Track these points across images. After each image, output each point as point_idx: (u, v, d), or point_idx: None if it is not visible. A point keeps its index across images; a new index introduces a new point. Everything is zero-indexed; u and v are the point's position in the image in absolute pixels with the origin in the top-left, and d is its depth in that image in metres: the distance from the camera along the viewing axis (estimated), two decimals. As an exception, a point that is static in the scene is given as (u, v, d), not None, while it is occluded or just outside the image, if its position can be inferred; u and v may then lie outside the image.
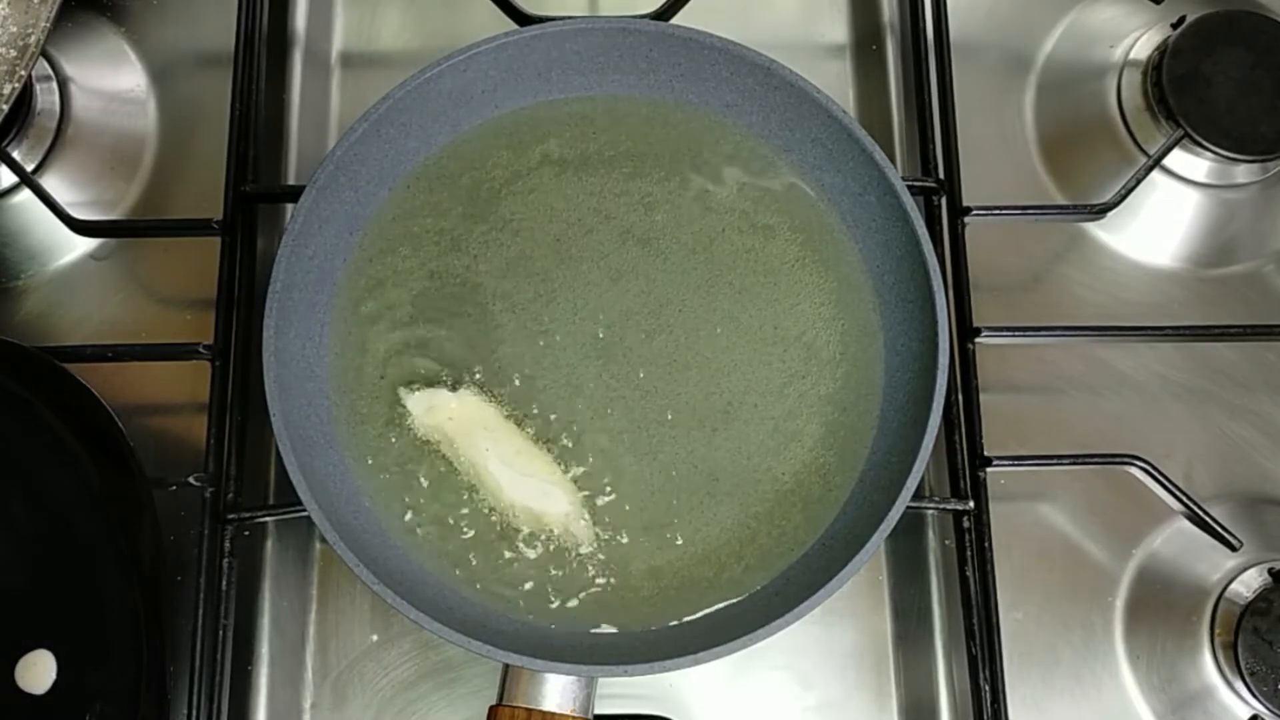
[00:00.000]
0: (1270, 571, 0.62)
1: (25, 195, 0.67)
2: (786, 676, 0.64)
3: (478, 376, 0.60)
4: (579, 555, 0.58)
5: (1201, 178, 0.70)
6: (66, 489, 0.58)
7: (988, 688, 0.59)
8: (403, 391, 0.59)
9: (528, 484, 0.58)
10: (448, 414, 0.59)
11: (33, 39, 0.61)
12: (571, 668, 0.53)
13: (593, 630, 0.57)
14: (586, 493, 0.59)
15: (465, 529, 0.58)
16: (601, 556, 0.58)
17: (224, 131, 0.66)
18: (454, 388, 0.60)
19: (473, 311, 0.61)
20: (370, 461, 0.59)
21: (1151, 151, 0.68)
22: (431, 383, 0.60)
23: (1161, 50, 0.69)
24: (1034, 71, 0.74)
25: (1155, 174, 0.67)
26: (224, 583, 0.59)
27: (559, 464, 0.59)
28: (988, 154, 0.71)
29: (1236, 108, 0.67)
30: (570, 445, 0.59)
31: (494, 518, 0.58)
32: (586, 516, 0.58)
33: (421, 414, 0.59)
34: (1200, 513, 0.62)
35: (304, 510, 0.54)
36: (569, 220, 0.63)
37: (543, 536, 0.58)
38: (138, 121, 0.71)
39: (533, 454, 0.59)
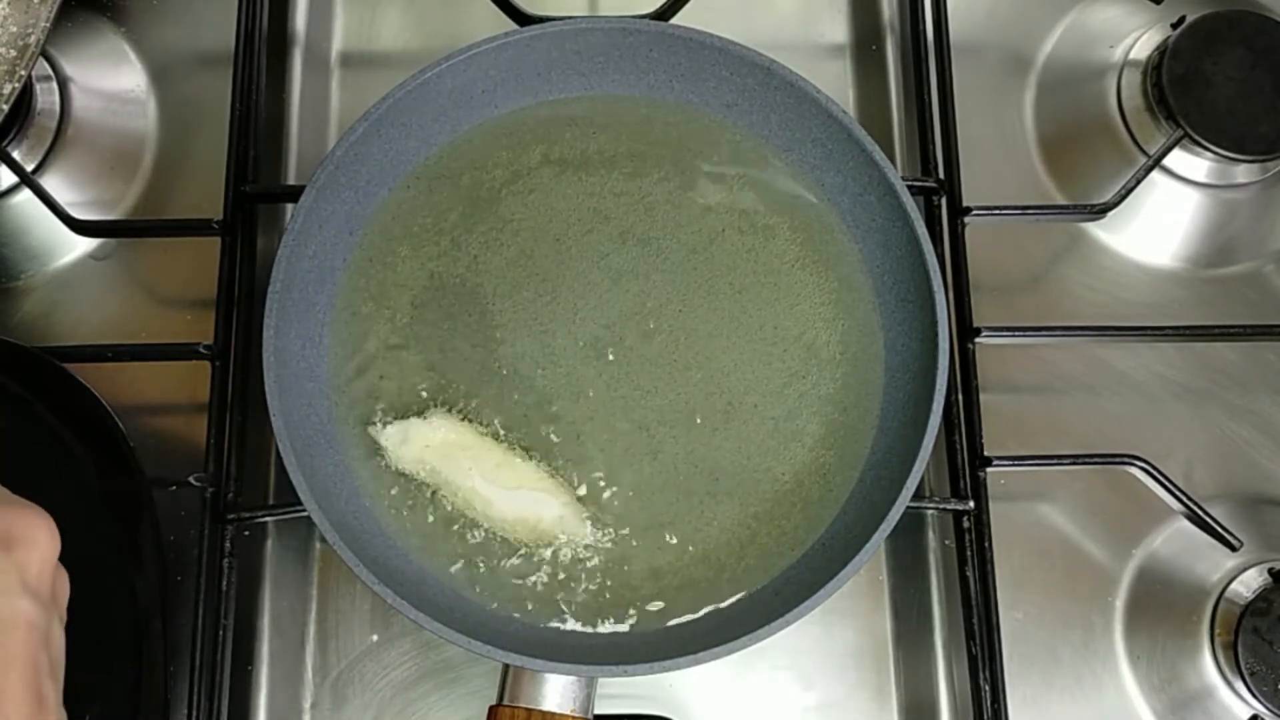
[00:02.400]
0: (1270, 571, 0.62)
1: (25, 195, 0.67)
2: (786, 676, 0.64)
3: (471, 382, 0.60)
4: (576, 558, 0.58)
5: (1201, 178, 0.70)
6: (66, 489, 0.58)
7: (988, 688, 0.59)
8: (374, 430, 0.59)
9: (515, 496, 0.58)
10: (424, 442, 0.58)
11: (32, 39, 0.61)
12: (571, 668, 0.53)
13: (593, 630, 0.57)
14: (585, 493, 0.59)
15: (461, 542, 0.58)
16: (600, 557, 0.58)
17: (224, 131, 0.66)
18: (430, 409, 0.59)
19: (472, 312, 0.61)
20: (369, 461, 0.59)
21: (1151, 151, 0.68)
22: (403, 413, 0.59)
23: (1161, 50, 0.69)
24: (1034, 71, 0.74)
25: (1155, 174, 0.67)
26: (224, 583, 0.59)
27: (552, 467, 0.59)
28: (988, 154, 0.71)
29: (1236, 108, 0.67)
30: (570, 445, 0.59)
31: (487, 533, 0.58)
32: (581, 519, 0.58)
33: (396, 447, 0.58)
34: (1200, 513, 0.62)
35: (304, 510, 0.54)
36: (569, 220, 0.63)
37: (537, 544, 0.58)
38: (138, 121, 0.71)
39: (514, 465, 0.58)
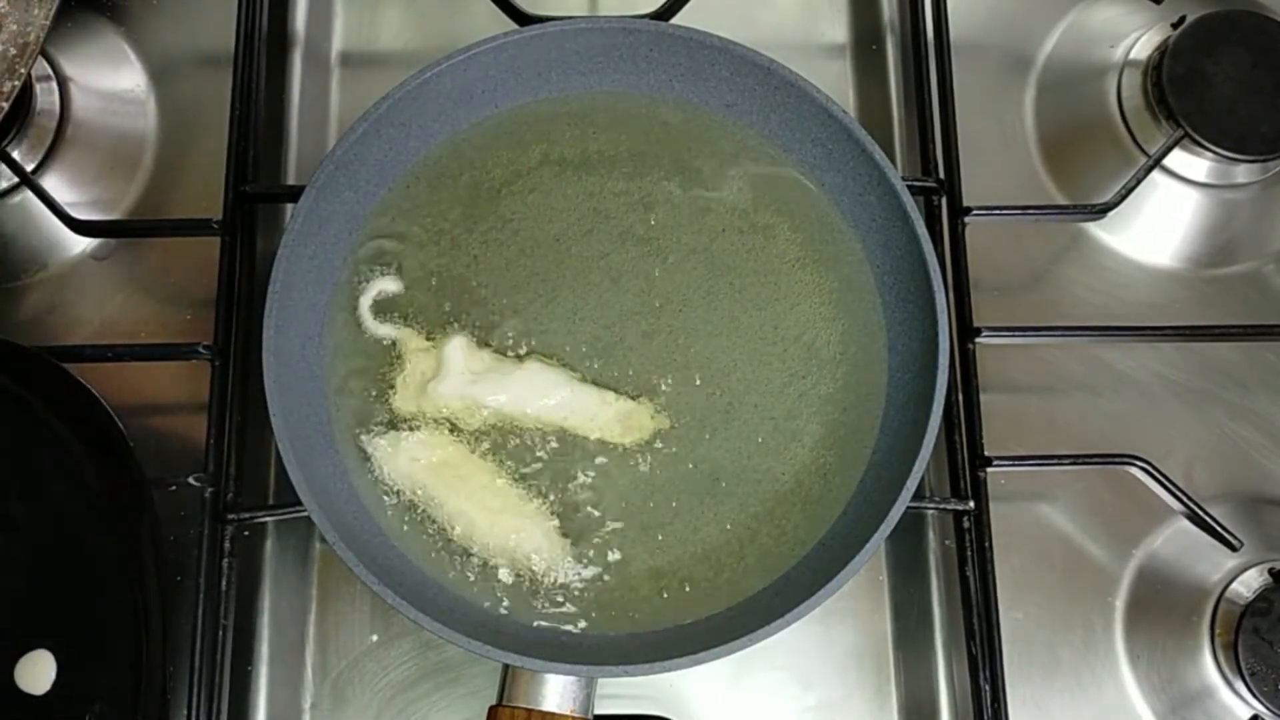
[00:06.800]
0: (1270, 571, 0.62)
1: (25, 195, 0.67)
2: (786, 676, 0.64)
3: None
4: (573, 565, 0.58)
5: (1201, 178, 0.70)
6: (66, 489, 0.58)
7: (988, 688, 0.59)
8: (364, 439, 0.59)
9: (497, 520, 0.57)
10: (412, 456, 0.58)
11: (32, 37, 0.61)
12: (571, 668, 0.53)
13: (592, 631, 0.57)
14: (583, 498, 0.59)
15: (456, 555, 0.58)
16: (597, 564, 0.58)
17: (224, 131, 0.66)
18: (422, 419, 0.59)
19: (472, 312, 0.61)
20: (365, 464, 0.59)
21: (1151, 151, 0.68)
22: (395, 423, 0.59)
23: (1161, 50, 0.69)
24: (1034, 71, 0.74)
25: (1155, 174, 0.67)
26: (224, 583, 0.59)
27: (536, 489, 0.59)
28: (988, 154, 0.71)
29: (1236, 108, 0.67)
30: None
31: (476, 552, 0.58)
32: (561, 549, 0.58)
33: (385, 459, 0.58)
34: (1200, 513, 0.62)
35: (304, 510, 0.54)
36: (569, 220, 0.63)
37: (524, 564, 0.57)
38: (138, 121, 0.71)
39: (500, 489, 0.58)
